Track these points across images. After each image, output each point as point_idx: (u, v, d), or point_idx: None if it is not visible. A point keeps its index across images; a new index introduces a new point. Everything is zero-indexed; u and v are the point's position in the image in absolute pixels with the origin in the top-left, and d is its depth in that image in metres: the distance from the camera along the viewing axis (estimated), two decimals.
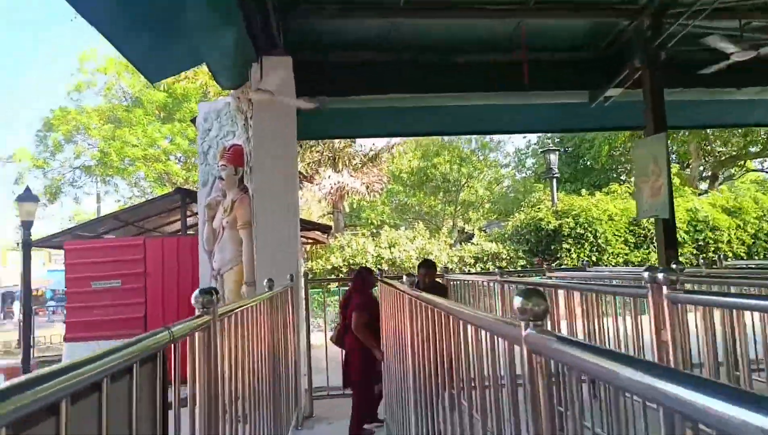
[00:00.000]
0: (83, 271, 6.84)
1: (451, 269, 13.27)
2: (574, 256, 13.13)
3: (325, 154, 19.33)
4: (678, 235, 13.62)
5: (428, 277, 4.65)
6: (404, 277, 2.38)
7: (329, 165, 19.44)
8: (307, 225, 9.24)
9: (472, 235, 15.65)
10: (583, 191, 15.03)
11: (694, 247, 13.69)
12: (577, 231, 13.07)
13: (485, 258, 13.61)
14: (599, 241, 13.09)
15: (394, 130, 7.42)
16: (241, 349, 2.08)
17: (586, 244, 13.14)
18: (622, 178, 20.92)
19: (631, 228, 13.40)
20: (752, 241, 13.86)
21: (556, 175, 14.10)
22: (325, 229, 9.55)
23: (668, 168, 5.10)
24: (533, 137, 25.96)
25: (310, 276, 12.33)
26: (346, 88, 5.92)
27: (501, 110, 6.87)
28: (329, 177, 18.17)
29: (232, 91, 5.59)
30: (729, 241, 13.72)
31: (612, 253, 13.21)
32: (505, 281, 4.85)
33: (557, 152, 14.20)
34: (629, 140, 20.31)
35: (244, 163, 5.12)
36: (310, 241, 12.32)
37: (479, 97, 6.28)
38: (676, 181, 16.75)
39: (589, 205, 13.29)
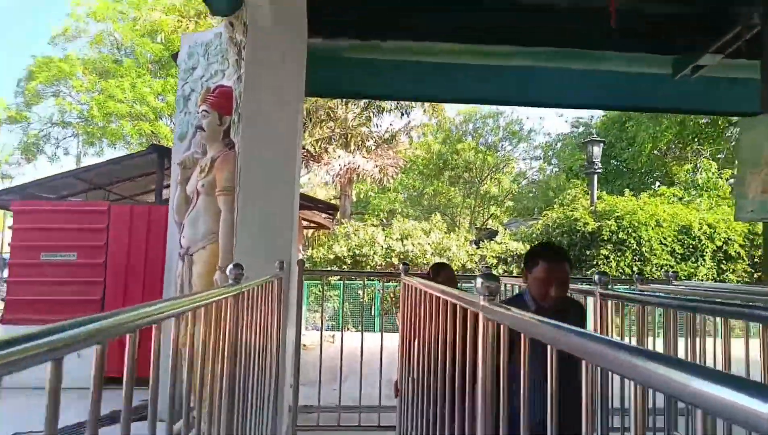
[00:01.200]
0: (32, 238, 5.81)
1: (470, 270, 12.16)
2: (612, 264, 11.95)
3: (336, 130, 18.22)
4: (732, 249, 12.42)
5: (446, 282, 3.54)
6: (478, 280, 1.33)
7: (340, 144, 18.33)
8: (309, 202, 8.13)
9: (495, 232, 14.50)
10: (626, 192, 13.79)
11: (747, 264, 12.46)
12: (619, 236, 11.87)
13: (509, 259, 12.48)
14: (643, 249, 11.89)
15: (425, 92, 6.23)
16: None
17: (628, 251, 11.95)
18: (662, 183, 19.60)
19: (680, 237, 12.18)
20: None
21: (598, 171, 12.87)
22: (331, 209, 8.44)
23: None
24: (565, 126, 24.66)
25: (307, 265, 11.27)
26: (372, 29, 4.80)
27: (562, 76, 5.71)
28: (339, 157, 17.06)
29: (225, 18, 4.47)
30: None
31: (656, 264, 12.01)
32: (608, 295, 3.70)
33: (601, 144, 12.95)
34: (677, 138, 18.98)
35: (232, 111, 4.02)
36: (313, 225, 11.24)
37: (546, 57, 5.13)
38: None
39: (634, 207, 12.07)
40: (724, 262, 12.41)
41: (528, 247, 12.43)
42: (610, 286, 3.11)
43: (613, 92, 6.26)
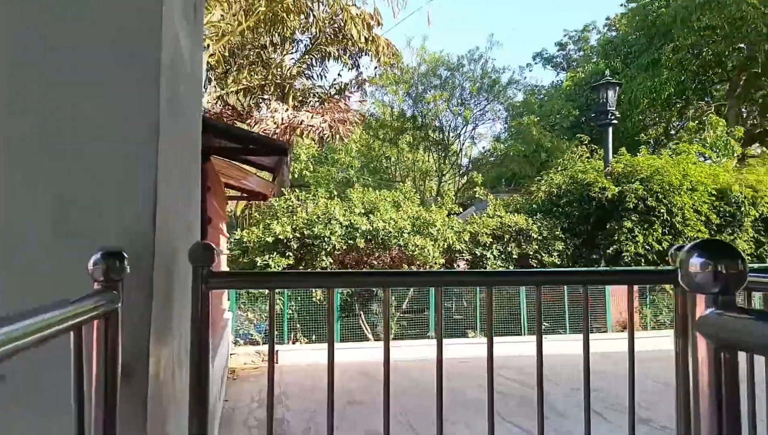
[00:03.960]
0: None
1: (460, 251, 9.88)
2: (639, 239, 10.05)
3: (270, 79, 15.27)
4: None
5: None
6: None
7: (276, 96, 15.42)
8: (231, 137, 5.05)
9: (482, 204, 12.30)
10: (643, 149, 11.96)
11: None
12: (648, 203, 9.96)
13: (507, 237, 10.30)
14: (675, 219, 10.07)
15: None
16: None
17: (657, 223, 10.09)
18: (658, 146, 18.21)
19: (716, 204, 10.48)
20: None
21: (614, 122, 10.91)
22: (277, 153, 5.54)
23: None
24: (550, 75, 22.85)
25: (233, 252, 8.49)
26: None
27: None
28: (275, 111, 14.17)
29: None
30: None
31: (689, 237, 10.24)
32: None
33: (617, 88, 10.99)
34: (678, 89, 17.54)
35: None
36: (243, 194, 8.51)
37: None
38: None
39: (663, 167, 10.19)
40: (764, 232, 10.88)
41: (531, 220, 10.30)
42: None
43: None
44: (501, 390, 6.42)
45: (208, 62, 13.46)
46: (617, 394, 5.92)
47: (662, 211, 10.04)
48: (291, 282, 2.30)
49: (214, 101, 15.29)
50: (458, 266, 10.25)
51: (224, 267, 7.71)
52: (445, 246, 9.63)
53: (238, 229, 8.86)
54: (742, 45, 17.44)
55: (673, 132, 17.94)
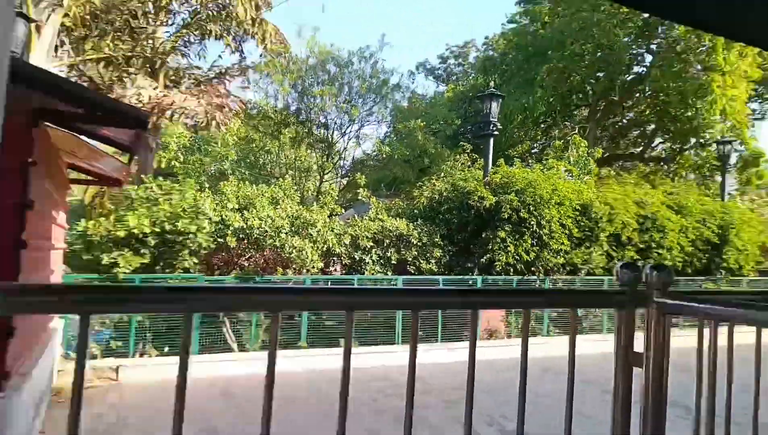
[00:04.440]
0: None
1: (339, 255, 9.48)
2: (510, 249, 10.41)
3: (138, 52, 13.63)
4: (625, 234, 11.98)
5: None
6: None
7: (145, 72, 13.81)
8: (71, 98, 3.97)
9: (364, 207, 12.00)
10: (517, 162, 12.52)
11: (635, 251, 12.19)
12: (521, 214, 10.36)
13: (387, 241, 10.11)
14: (543, 231, 10.59)
15: None
16: None
17: (527, 234, 10.54)
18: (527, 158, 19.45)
19: (579, 218, 11.22)
20: (691, 248, 12.93)
21: (495, 133, 11.22)
22: (139, 126, 4.51)
23: None
24: (432, 86, 23.39)
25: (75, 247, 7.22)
26: None
27: None
28: (142, 88, 12.65)
29: None
30: (671, 248, 12.52)
31: (554, 249, 10.86)
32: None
33: (500, 100, 11.33)
34: (549, 110, 18.85)
35: None
36: (90, 178, 7.26)
37: None
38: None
39: (537, 180, 10.68)
40: (615, 247, 11.91)
41: (411, 226, 10.20)
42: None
43: None
44: (376, 405, 6.09)
45: (62, 23, 11.58)
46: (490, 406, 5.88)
47: (533, 222, 10.51)
48: (204, 302, 1.26)
49: (68, 69, 13.29)
50: (335, 271, 9.84)
51: (59, 265, 6.45)
52: (325, 248, 9.15)
53: (83, 220, 7.55)
54: (602, 74, 19.25)
55: (539, 149, 19.26)
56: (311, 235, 8.86)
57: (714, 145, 17.43)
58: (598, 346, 7.39)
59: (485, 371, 6.68)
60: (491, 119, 10.99)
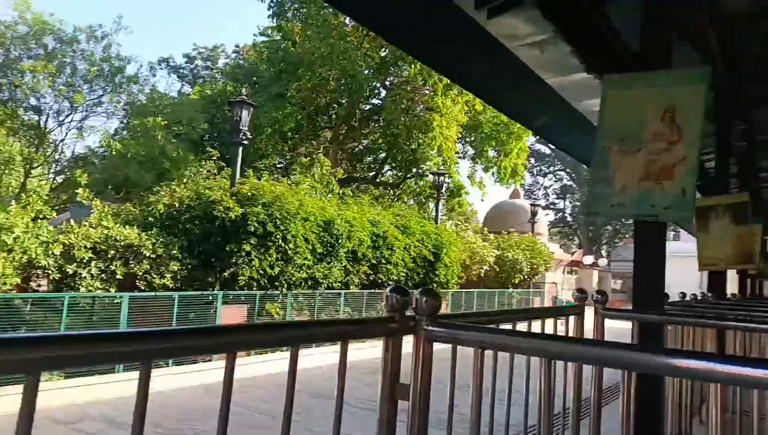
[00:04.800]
0: None
1: (45, 268, 7.81)
2: (255, 263, 10.15)
3: None
4: (361, 251, 12.92)
5: None
6: None
7: None
8: None
9: (84, 211, 10.11)
10: (265, 175, 12.35)
11: (368, 266, 13.28)
12: (268, 228, 10.21)
13: (113, 253, 8.76)
14: (288, 245, 10.65)
15: None
16: None
17: (273, 248, 10.44)
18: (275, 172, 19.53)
19: (322, 234, 11.65)
20: (412, 264, 14.75)
21: (245, 142, 10.82)
22: None
23: (701, 129, 3.00)
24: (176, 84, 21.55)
25: None
26: None
27: None
28: None
29: None
30: (397, 264, 14.06)
31: (298, 264, 11.02)
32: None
33: (251, 109, 10.98)
34: (300, 126, 19.27)
35: None
36: None
37: None
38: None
39: (283, 194, 10.68)
40: (352, 262, 12.73)
41: (144, 236, 9.09)
42: None
43: None
44: None
45: None
46: None
47: (278, 237, 10.46)
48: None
49: None
50: (39, 287, 8.02)
51: None
52: (24, 260, 7.34)
53: None
54: (345, 100, 20.71)
55: (286, 164, 19.60)
56: (5, 242, 7.00)
57: (430, 175, 20.44)
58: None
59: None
60: (241, 127, 10.60)
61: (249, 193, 10.47)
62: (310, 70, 17.90)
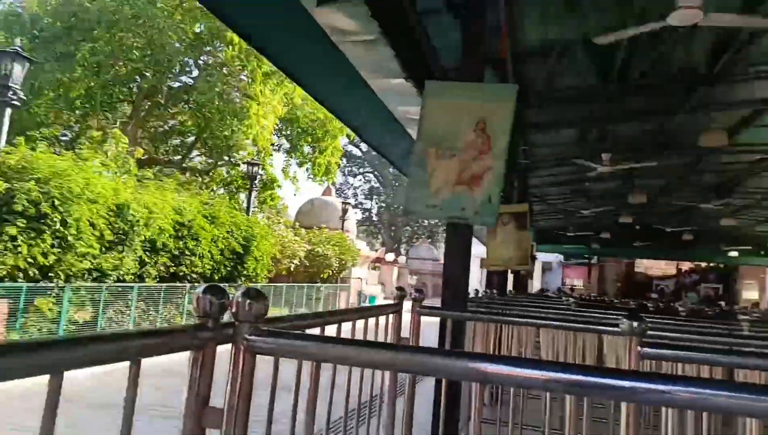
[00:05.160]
0: None
1: None
2: (23, 250, 8.51)
3: None
4: (161, 240, 11.73)
5: None
6: None
7: None
8: None
9: None
10: (43, 145, 10.38)
11: (168, 257, 12.16)
12: (42, 208, 8.61)
13: None
14: (69, 230, 9.14)
15: None
16: None
17: (48, 232, 8.86)
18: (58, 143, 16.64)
19: (113, 220, 10.28)
20: (220, 257, 13.94)
21: (15, 103, 8.91)
22: None
23: (510, 138, 3.39)
24: None
25: None
26: None
27: None
28: None
29: None
30: (203, 256, 13.16)
31: (80, 252, 9.53)
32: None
33: (27, 64, 9.05)
34: (93, 94, 16.69)
35: None
36: None
37: None
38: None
39: (68, 170, 9.12)
40: (149, 253, 11.50)
41: None
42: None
43: None
44: None
45: None
46: None
47: (57, 219, 8.90)
48: None
49: None
50: None
51: None
52: None
53: None
54: (149, 73, 18.65)
55: (73, 137, 16.91)
56: None
57: (243, 165, 19.61)
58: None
59: None
60: (12, 84, 8.72)
61: (18, 166, 8.70)
62: (109, 32, 15.71)
